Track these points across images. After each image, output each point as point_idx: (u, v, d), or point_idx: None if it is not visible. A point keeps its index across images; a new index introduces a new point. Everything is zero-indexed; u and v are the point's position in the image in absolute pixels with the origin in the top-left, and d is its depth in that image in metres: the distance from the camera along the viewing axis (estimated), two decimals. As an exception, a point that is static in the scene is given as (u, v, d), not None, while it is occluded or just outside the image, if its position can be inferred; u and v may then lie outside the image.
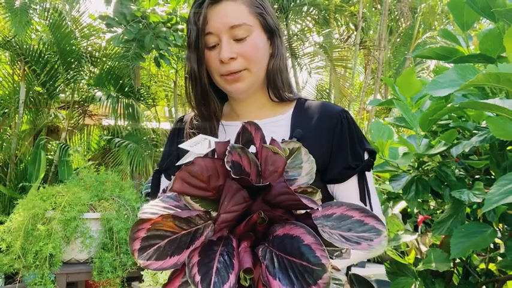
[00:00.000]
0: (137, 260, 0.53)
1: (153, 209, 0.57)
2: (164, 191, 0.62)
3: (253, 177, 0.60)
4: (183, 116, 1.10)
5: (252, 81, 0.95)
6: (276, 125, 0.98)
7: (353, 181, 0.93)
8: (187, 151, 0.97)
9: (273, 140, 0.65)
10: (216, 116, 1.01)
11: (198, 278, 0.50)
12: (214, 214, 0.59)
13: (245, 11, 0.93)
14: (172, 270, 0.55)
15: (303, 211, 0.58)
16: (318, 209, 0.56)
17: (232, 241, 0.55)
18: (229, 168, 0.56)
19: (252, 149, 0.65)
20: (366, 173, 0.94)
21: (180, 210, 0.58)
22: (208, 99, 0.99)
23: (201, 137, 0.80)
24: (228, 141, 0.59)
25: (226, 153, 0.57)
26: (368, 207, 0.81)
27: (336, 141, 0.93)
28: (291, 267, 0.50)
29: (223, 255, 0.53)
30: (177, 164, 0.92)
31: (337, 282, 0.60)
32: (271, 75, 0.98)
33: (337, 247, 0.56)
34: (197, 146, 0.77)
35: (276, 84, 0.98)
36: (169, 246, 0.54)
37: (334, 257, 0.57)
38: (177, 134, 1.06)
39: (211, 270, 0.51)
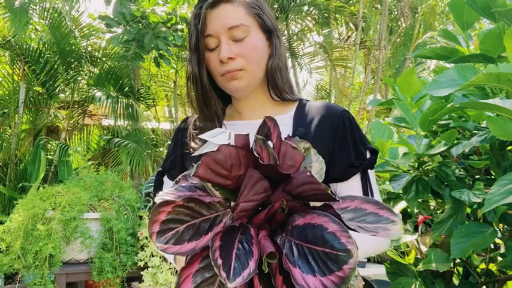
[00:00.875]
0: (155, 243, 0.54)
1: (168, 196, 0.57)
2: (177, 182, 0.62)
3: None
4: (187, 118, 1.11)
5: (249, 80, 0.97)
6: (278, 124, 0.99)
7: (356, 179, 0.94)
8: (190, 153, 0.98)
9: (289, 137, 0.67)
10: (217, 116, 1.03)
11: (220, 261, 0.51)
12: (232, 204, 0.59)
13: (242, 13, 0.95)
14: (191, 255, 0.56)
15: (319, 205, 0.59)
16: (339, 200, 0.58)
17: (251, 230, 0.56)
18: (256, 155, 0.56)
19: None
20: (368, 171, 0.95)
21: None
22: (209, 100, 1.01)
23: (219, 130, 0.82)
24: (247, 135, 0.60)
25: (253, 142, 0.58)
26: None
27: (338, 141, 0.94)
28: (311, 255, 0.51)
29: (242, 242, 0.54)
30: (193, 154, 0.94)
31: None
32: (270, 75, 0.99)
33: None
34: (217, 137, 0.79)
35: (276, 83, 1.00)
36: (187, 231, 0.55)
37: None
38: (181, 135, 1.07)
39: (231, 256, 0.52)
